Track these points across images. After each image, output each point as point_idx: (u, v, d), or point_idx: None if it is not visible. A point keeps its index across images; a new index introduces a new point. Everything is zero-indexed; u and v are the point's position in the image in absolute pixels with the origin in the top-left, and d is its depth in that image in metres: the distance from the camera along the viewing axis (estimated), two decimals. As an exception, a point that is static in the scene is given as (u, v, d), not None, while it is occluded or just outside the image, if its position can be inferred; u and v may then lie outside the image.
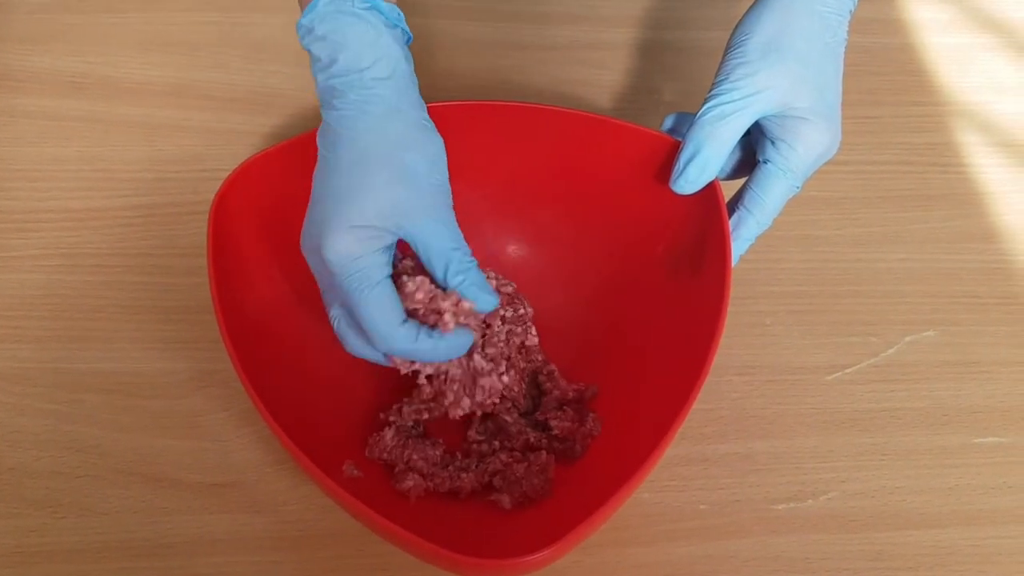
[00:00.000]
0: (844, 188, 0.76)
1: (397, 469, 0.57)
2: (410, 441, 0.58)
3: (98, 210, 0.69)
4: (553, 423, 0.59)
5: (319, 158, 0.55)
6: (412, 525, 0.47)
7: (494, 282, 0.60)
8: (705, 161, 0.57)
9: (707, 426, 0.63)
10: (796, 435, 0.64)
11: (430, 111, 0.60)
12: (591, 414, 0.59)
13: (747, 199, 0.59)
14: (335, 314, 0.54)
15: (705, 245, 0.59)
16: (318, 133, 0.55)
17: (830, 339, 0.68)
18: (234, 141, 0.73)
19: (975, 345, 0.68)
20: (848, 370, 0.67)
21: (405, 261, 0.57)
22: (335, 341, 0.62)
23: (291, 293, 0.61)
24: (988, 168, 0.78)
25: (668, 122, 0.63)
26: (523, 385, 0.61)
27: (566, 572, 0.57)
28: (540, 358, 0.63)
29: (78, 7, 0.80)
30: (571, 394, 0.61)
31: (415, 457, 0.57)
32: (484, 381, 0.56)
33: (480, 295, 0.53)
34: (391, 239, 0.53)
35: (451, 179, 0.63)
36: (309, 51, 0.55)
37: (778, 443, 0.63)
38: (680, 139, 0.59)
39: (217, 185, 0.58)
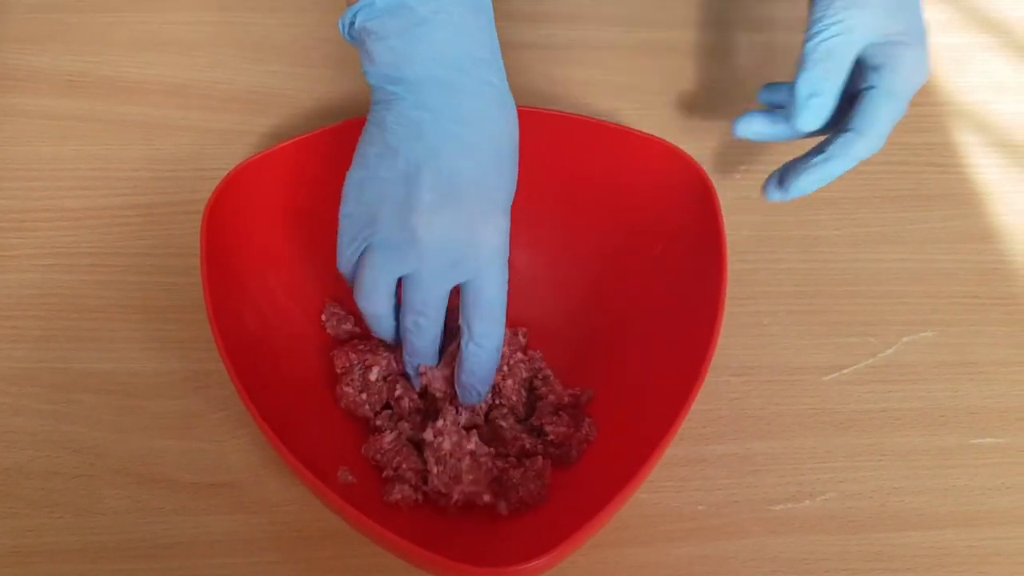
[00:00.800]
0: (842, 188, 0.75)
1: (385, 474, 0.57)
2: (405, 449, 0.58)
3: (95, 209, 0.69)
4: (549, 428, 0.59)
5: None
6: (407, 532, 0.47)
7: None
8: (825, 94, 0.58)
9: (705, 427, 0.63)
10: (794, 436, 0.64)
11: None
12: (587, 419, 0.59)
13: (856, 122, 0.59)
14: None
15: (701, 246, 0.59)
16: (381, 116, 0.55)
17: (828, 339, 0.68)
18: (232, 141, 0.73)
19: (973, 346, 0.68)
20: (846, 370, 0.67)
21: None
22: (331, 344, 0.62)
23: (286, 296, 0.61)
24: (986, 168, 0.77)
25: (763, 95, 0.65)
26: (522, 393, 0.61)
27: (562, 573, 0.57)
28: (541, 364, 0.63)
29: (75, 6, 0.79)
30: (567, 399, 0.61)
31: (404, 466, 0.57)
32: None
33: None
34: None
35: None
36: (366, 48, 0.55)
37: (776, 444, 0.63)
38: (776, 107, 0.61)
39: (214, 184, 0.58)
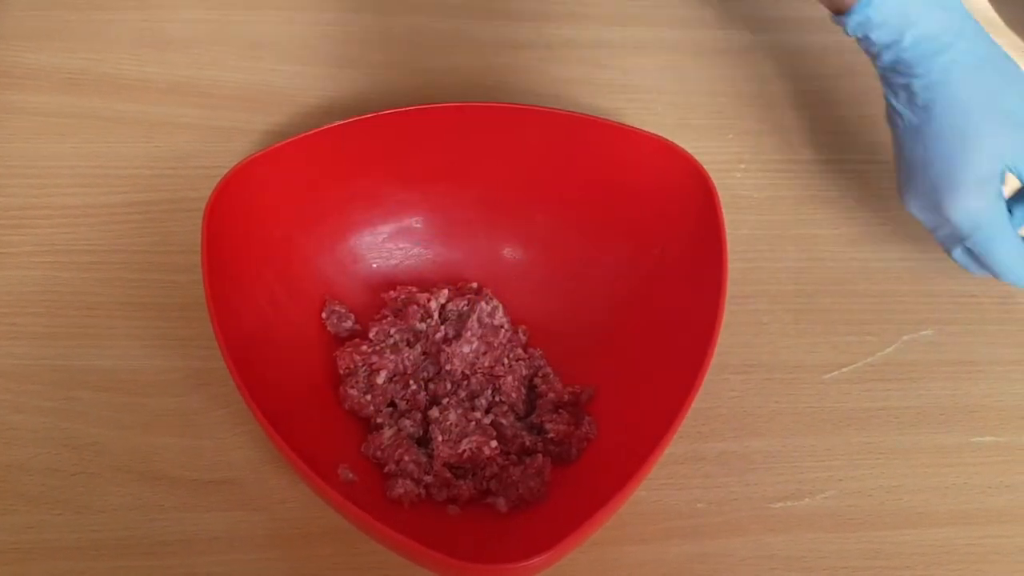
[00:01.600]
0: (841, 187, 0.76)
1: (387, 469, 0.57)
2: (406, 442, 0.58)
3: (94, 207, 0.69)
4: (549, 426, 0.59)
5: (904, 124, 0.61)
6: (407, 529, 0.47)
7: (496, 309, 0.63)
8: None
9: (704, 425, 0.63)
10: (793, 434, 0.64)
11: (425, 112, 0.60)
12: (587, 417, 0.59)
13: None
14: (957, 255, 0.63)
15: (701, 244, 0.59)
16: (893, 100, 0.62)
17: (827, 338, 0.68)
18: (231, 138, 0.73)
19: (972, 344, 0.69)
20: (845, 369, 0.67)
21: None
22: (332, 342, 0.62)
23: (286, 294, 0.61)
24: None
25: None
26: (522, 391, 0.61)
27: (562, 571, 0.57)
28: (541, 362, 0.63)
29: (74, 4, 0.79)
30: (567, 397, 0.61)
31: (406, 459, 0.57)
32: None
33: None
34: (1001, 179, 0.60)
35: (445, 181, 0.63)
36: (866, 38, 0.61)
37: (775, 442, 0.63)
38: None
39: (214, 182, 0.58)
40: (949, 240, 0.63)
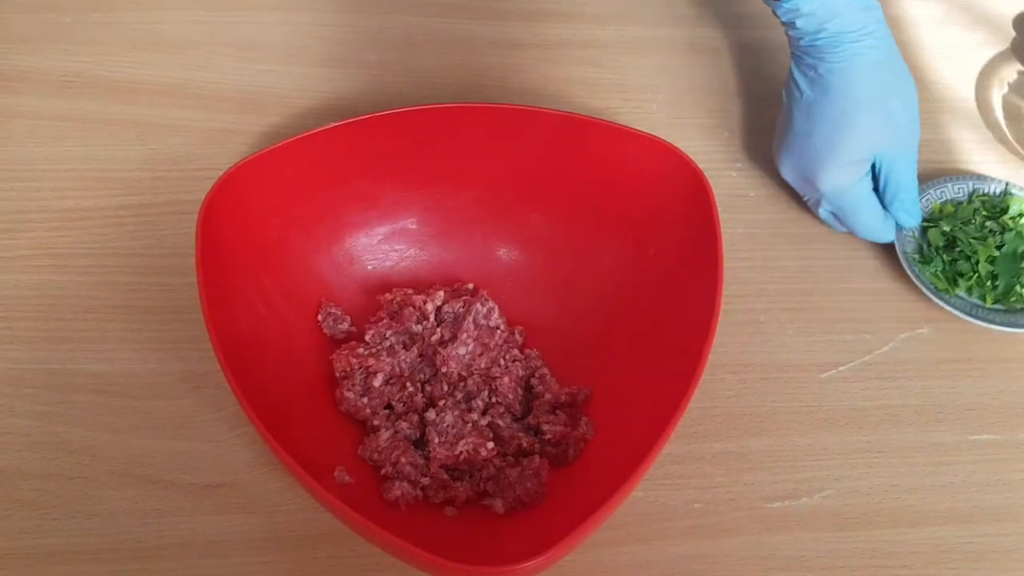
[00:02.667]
0: (838, 185, 0.76)
1: (384, 472, 0.57)
2: (403, 444, 0.58)
3: (90, 210, 0.69)
4: (546, 427, 0.59)
5: (801, 98, 0.68)
6: (404, 532, 0.47)
7: (492, 310, 0.63)
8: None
9: (701, 424, 0.63)
10: (790, 433, 0.64)
11: (420, 113, 0.60)
12: (584, 418, 0.59)
13: None
14: (823, 213, 0.71)
15: (697, 244, 0.59)
16: (798, 75, 0.68)
17: (824, 336, 0.68)
18: (226, 140, 0.73)
19: (969, 342, 0.68)
20: (842, 368, 0.67)
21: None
22: (328, 344, 0.62)
23: (281, 296, 0.61)
24: (981, 165, 0.78)
25: None
26: (518, 392, 0.61)
27: (559, 571, 0.57)
28: (538, 363, 0.63)
29: (69, 6, 0.79)
30: (564, 398, 0.61)
31: (403, 461, 0.57)
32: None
33: (906, 216, 0.69)
34: (868, 167, 0.68)
35: (440, 182, 0.63)
36: (792, 23, 0.66)
37: (772, 441, 0.63)
38: None
39: (209, 184, 0.58)
40: (815, 203, 0.71)
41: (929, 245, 0.71)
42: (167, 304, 0.65)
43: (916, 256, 0.70)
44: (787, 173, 0.71)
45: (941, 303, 0.68)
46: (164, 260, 0.67)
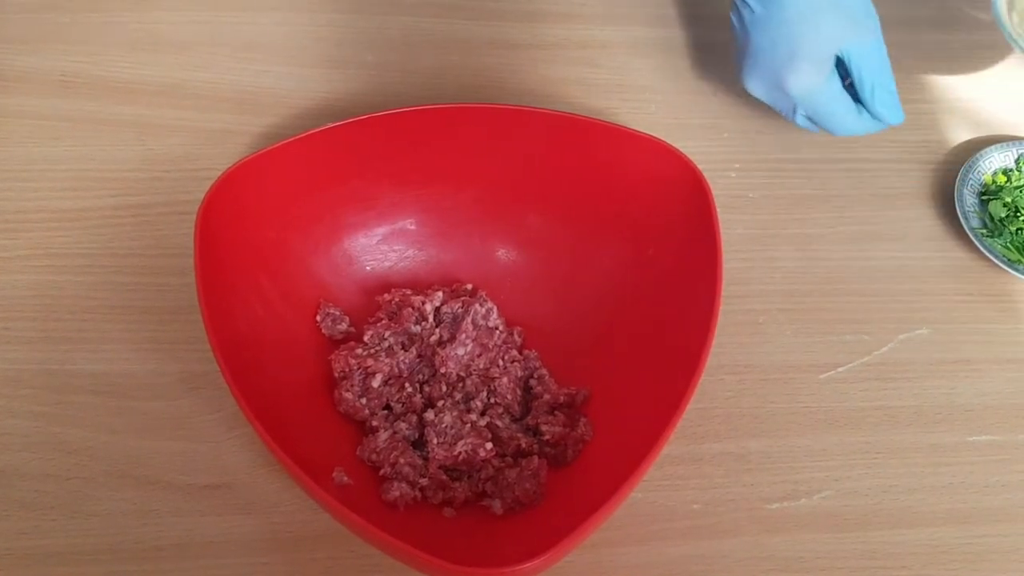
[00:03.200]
0: (837, 186, 0.76)
1: (382, 472, 0.57)
2: (401, 445, 0.58)
3: (88, 210, 0.69)
4: (544, 428, 0.59)
5: (754, 15, 0.70)
6: (402, 533, 0.47)
7: (491, 311, 0.63)
8: None
9: (700, 425, 0.63)
10: (789, 434, 0.64)
11: (418, 114, 0.60)
12: (583, 419, 0.59)
13: None
14: (800, 120, 0.72)
15: (696, 245, 0.59)
16: None
17: (823, 337, 0.68)
18: (224, 140, 0.73)
19: (968, 343, 0.68)
20: (841, 369, 0.67)
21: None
22: (326, 344, 0.62)
23: (280, 297, 0.61)
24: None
25: None
26: (517, 393, 0.61)
27: (558, 572, 0.57)
28: (536, 364, 0.63)
29: (67, 6, 0.79)
30: (562, 398, 0.61)
31: (401, 461, 0.57)
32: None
33: (887, 111, 0.70)
34: (833, 64, 0.68)
35: (439, 182, 0.63)
36: None
37: (771, 442, 0.63)
38: None
39: (207, 185, 0.58)
40: (790, 111, 0.72)
41: (992, 218, 0.72)
42: (165, 305, 0.65)
43: (983, 231, 0.71)
44: (755, 88, 0.72)
45: (1017, 275, 0.69)
46: (162, 260, 0.67)
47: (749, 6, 0.70)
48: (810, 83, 0.69)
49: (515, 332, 0.64)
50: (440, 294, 0.63)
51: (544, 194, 0.65)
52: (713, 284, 0.56)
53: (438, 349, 0.61)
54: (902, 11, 0.87)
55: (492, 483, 0.57)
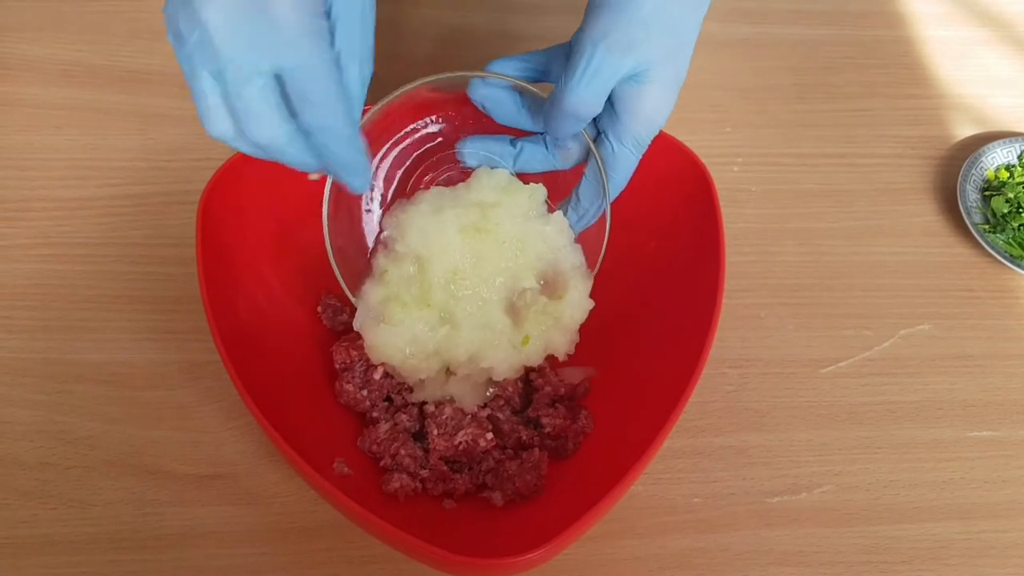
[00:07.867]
0: (839, 181, 0.76)
1: (383, 463, 0.57)
2: (402, 436, 0.58)
3: (89, 199, 0.69)
4: (545, 420, 0.59)
5: None
6: (403, 523, 0.47)
7: None
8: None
9: (701, 419, 0.63)
10: (790, 428, 0.64)
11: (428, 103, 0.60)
12: (583, 411, 0.59)
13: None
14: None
15: (699, 238, 0.59)
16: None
17: (824, 332, 0.68)
18: (226, 131, 0.72)
19: (969, 339, 0.68)
20: (842, 363, 0.67)
21: None
22: (327, 336, 0.62)
23: (281, 287, 0.61)
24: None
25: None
26: (518, 385, 0.61)
27: (559, 564, 0.57)
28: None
29: (69, -5, 0.79)
30: (563, 391, 0.61)
31: (402, 452, 0.57)
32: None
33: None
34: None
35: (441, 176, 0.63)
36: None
37: (772, 436, 0.63)
38: None
39: (208, 175, 0.57)
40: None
41: (994, 214, 0.72)
42: (166, 294, 0.65)
43: (985, 227, 0.71)
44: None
45: (1019, 271, 0.69)
46: (163, 250, 0.67)
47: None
48: None
49: None
50: None
51: (547, 188, 0.64)
52: (716, 278, 0.56)
53: None
54: (905, 6, 0.86)
55: (493, 475, 0.57)
